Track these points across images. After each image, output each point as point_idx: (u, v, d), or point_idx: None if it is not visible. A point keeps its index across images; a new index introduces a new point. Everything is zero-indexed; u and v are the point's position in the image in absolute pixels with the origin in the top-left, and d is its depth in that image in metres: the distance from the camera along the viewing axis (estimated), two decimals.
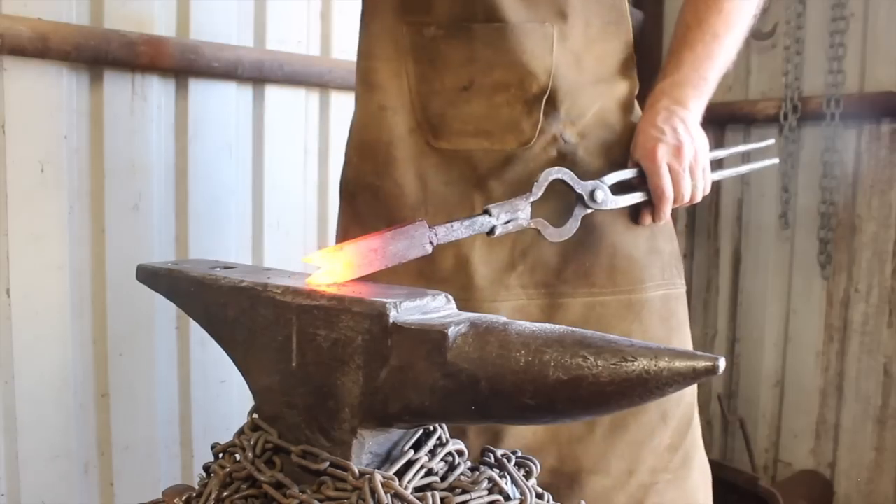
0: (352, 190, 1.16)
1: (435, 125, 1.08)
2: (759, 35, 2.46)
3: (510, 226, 0.92)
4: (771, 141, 1.37)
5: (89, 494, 1.55)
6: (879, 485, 2.27)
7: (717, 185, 2.65)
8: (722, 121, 2.59)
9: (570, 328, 0.66)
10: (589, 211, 1.00)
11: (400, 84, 1.09)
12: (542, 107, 1.06)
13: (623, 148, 1.11)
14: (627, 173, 1.05)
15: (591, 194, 1.00)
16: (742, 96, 2.58)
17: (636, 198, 1.05)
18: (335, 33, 1.91)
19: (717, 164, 1.15)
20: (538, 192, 0.94)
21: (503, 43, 1.04)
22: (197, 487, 0.83)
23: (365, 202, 1.14)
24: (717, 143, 2.63)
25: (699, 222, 2.76)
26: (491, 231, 0.90)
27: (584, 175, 1.01)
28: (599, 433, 1.09)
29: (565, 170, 0.98)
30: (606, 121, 1.12)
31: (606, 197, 1.01)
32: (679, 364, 0.59)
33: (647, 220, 1.10)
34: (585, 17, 1.08)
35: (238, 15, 1.73)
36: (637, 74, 1.16)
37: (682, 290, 1.18)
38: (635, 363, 0.60)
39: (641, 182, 1.06)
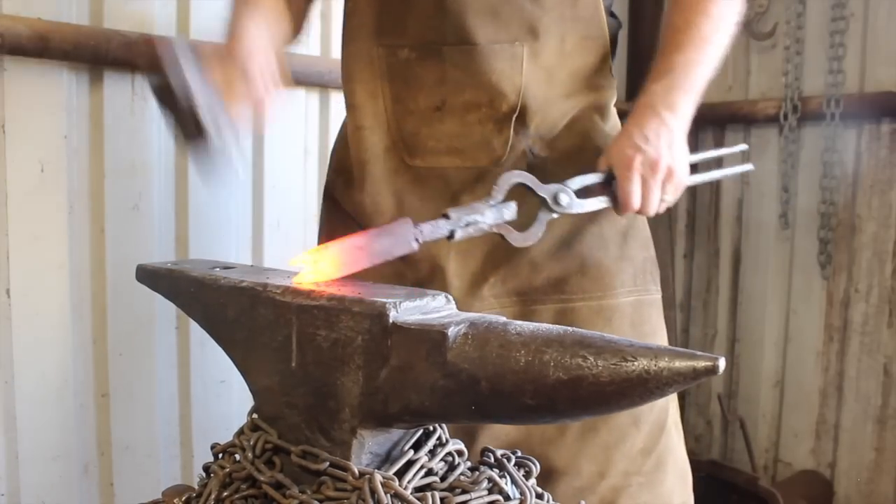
0: (337, 197, 1.21)
1: (409, 144, 1.11)
2: (759, 35, 2.46)
3: (471, 229, 0.91)
4: (744, 146, 1.35)
5: (89, 494, 1.55)
6: (879, 485, 2.27)
7: (717, 185, 2.65)
8: (722, 121, 2.58)
9: (570, 328, 0.66)
10: (554, 216, 0.98)
11: (376, 104, 1.12)
12: (513, 125, 1.08)
13: (596, 154, 1.11)
14: (595, 177, 1.03)
15: (555, 198, 0.98)
16: (742, 96, 2.58)
17: (602, 202, 1.03)
18: (335, 33, 1.90)
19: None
20: (499, 195, 0.94)
21: (473, 64, 1.06)
22: (197, 487, 0.83)
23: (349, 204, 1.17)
24: (717, 144, 2.63)
25: (699, 222, 2.76)
26: (451, 235, 0.90)
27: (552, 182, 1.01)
28: (570, 435, 1.11)
29: (526, 174, 0.97)
30: (579, 128, 1.13)
31: (571, 201, 0.99)
32: (679, 364, 0.59)
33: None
34: (560, 34, 1.08)
35: None
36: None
37: (657, 296, 1.18)
38: (635, 363, 0.60)
39: (608, 185, 1.03)
